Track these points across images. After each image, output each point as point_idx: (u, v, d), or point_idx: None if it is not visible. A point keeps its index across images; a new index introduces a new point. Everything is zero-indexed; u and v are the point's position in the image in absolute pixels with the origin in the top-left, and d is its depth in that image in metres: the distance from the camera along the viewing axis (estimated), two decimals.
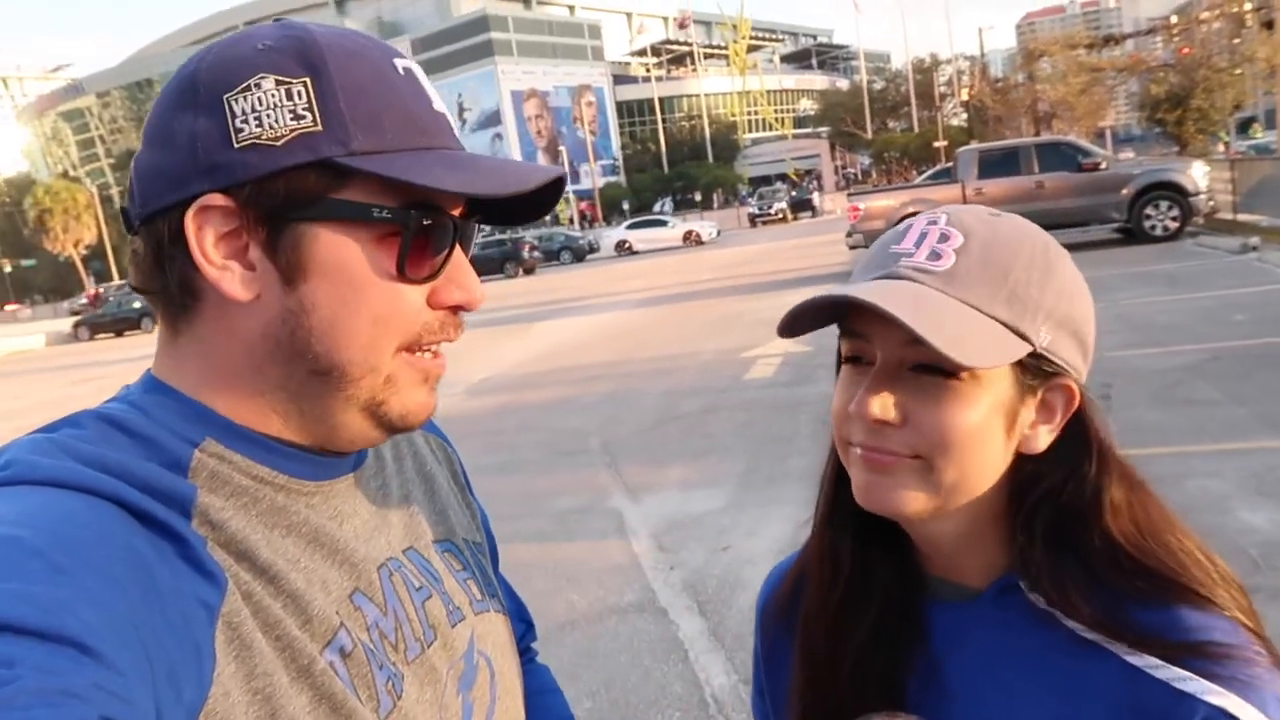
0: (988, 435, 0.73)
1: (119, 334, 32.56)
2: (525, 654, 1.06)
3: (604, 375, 10.30)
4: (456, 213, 0.70)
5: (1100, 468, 0.75)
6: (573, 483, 6.28)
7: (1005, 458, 0.75)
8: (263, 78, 0.64)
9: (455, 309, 0.71)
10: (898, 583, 0.84)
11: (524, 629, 1.06)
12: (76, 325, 34.05)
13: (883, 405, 0.73)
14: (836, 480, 0.86)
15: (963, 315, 0.70)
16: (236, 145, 0.63)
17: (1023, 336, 0.72)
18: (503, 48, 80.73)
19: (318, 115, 0.64)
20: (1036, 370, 0.74)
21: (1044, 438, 0.76)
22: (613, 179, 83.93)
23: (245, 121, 0.63)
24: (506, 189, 0.66)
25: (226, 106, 0.63)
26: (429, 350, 0.71)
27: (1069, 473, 0.75)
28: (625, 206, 70.69)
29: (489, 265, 34.63)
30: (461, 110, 79.45)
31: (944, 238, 0.74)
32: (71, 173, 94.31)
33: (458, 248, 0.70)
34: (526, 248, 35.77)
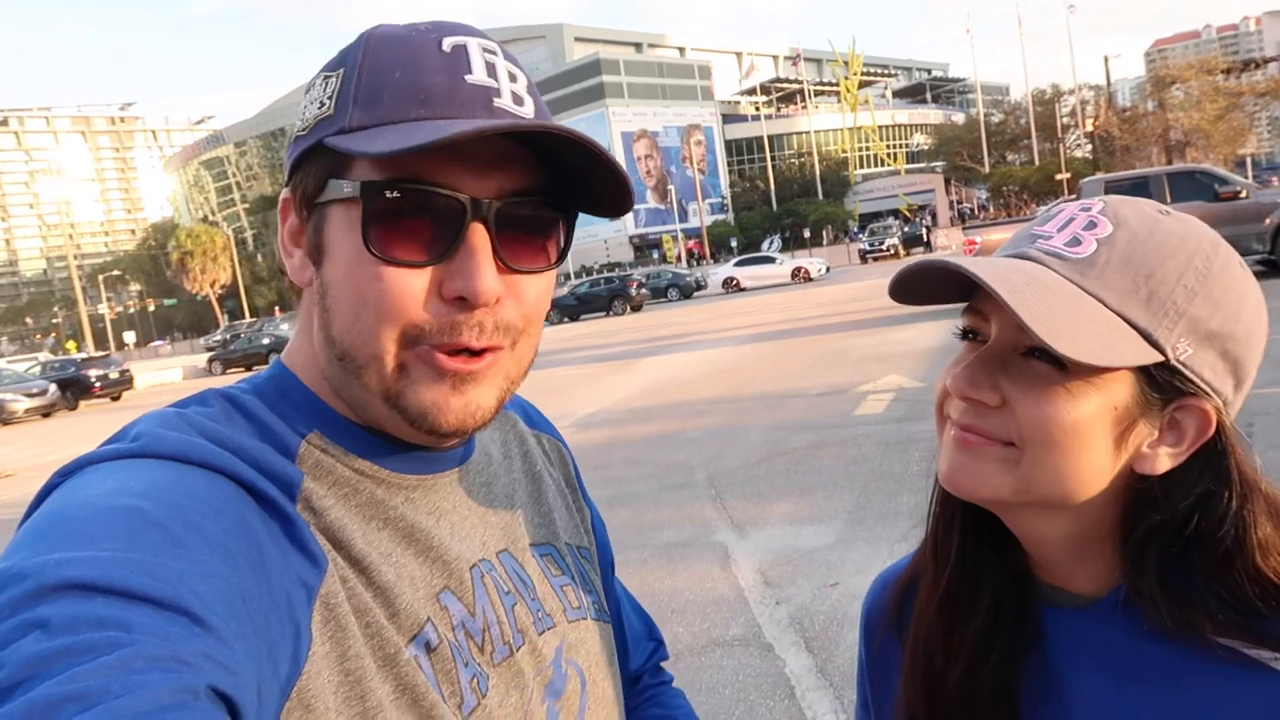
0: (1089, 438, 0.66)
1: (248, 368, 34.25)
2: (656, 673, 1.02)
3: (710, 410, 10.22)
4: (482, 195, 0.65)
5: (1243, 504, 0.67)
6: (678, 516, 6.21)
7: (1111, 469, 0.68)
8: (319, 76, 0.69)
9: (461, 302, 0.65)
10: (1009, 585, 0.78)
11: (653, 646, 1.02)
12: (210, 360, 36.08)
13: (978, 383, 0.68)
14: None
15: (1083, 306, 0.64)
16: (292, 140, 0.69)
17: (1154, 344, 0.64)
18: (614, 90, 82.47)
19: (334, 101, 0.66)
20: (1167, 384, 0.66)
21: (1164, 460, 0.68)
22: (721, 217, 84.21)
23: (300, 117, 0.69)
24: (412, 141, 0.60)
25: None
26: (450, 352, 0.66)
27: (1199, 504, 0.68)
28: (733, 244, 70.71)
29: (597, 303, 35.15)
30: None
31: (1091, 225, 0.68)
32: (210, 218, 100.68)
33: (480, 236, 0.65)
34: (634, 285, 36.09)
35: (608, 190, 0.70)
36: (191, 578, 0.50)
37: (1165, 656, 0.68)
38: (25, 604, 0.46)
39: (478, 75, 0.66)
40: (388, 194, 0.63)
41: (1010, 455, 0.68)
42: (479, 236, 0.65)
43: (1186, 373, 0.66)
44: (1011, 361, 0.68)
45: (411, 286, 0.64)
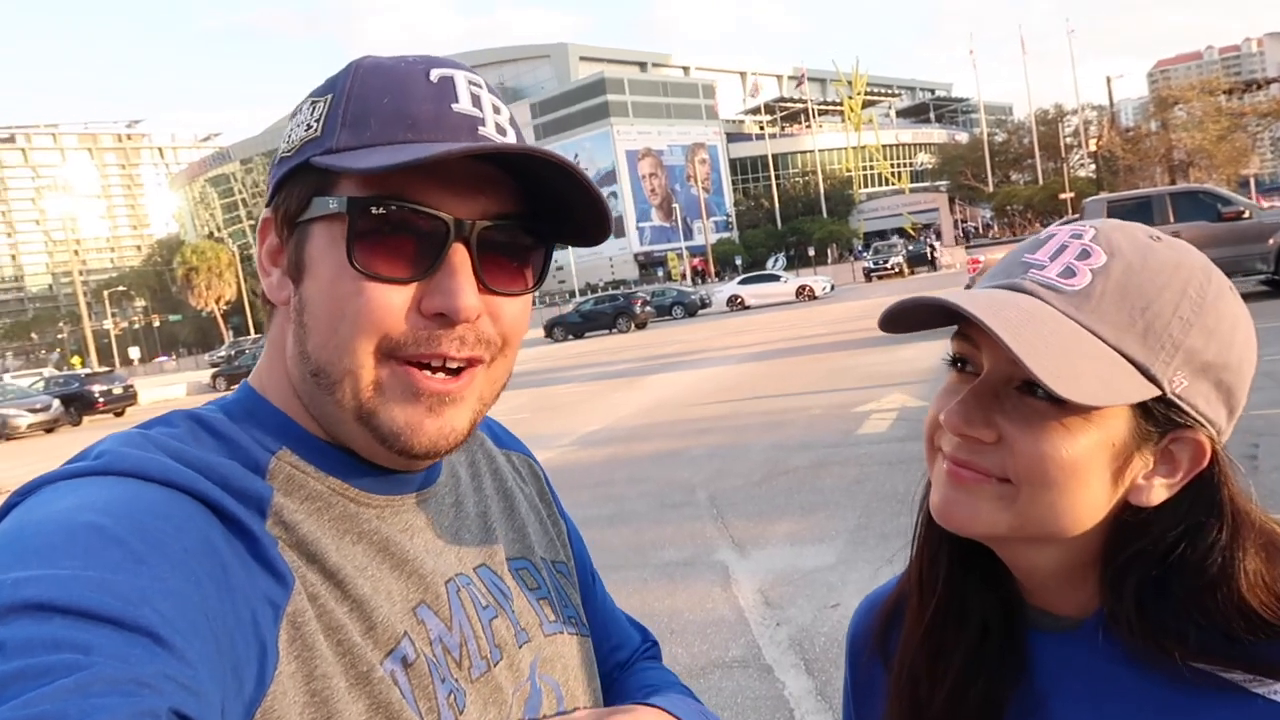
0: (1088, 475, 0.65)
1: None
2: (648, 660, 0.99)
3: (713, 428, 10.20)
4: (465, 216, 0.66)
5: (1233, 535, 0.66)
6: (679, 535, 6.18)
7: (1107, 503, 0.67)
8: (306, 101, 0.71)
9: (441, 318, 0.66)
10: (996, 608, 0.78)
11: (648, 646, 1.01)
12: (214, 376, 36.19)
13: (973, 420, 0.66)
14: None
15: (1081, 343, 0.63)
16: (276, 162, 0.71)
17: (1151, 378, 0.63)
18: (619, 109, 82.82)
19: (321, 124, 0.68)
20: (1163, 417, 0.65)
21: (1158, 491, 0.67)
22: (725, 235, 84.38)
23: (285, 140, 0.71)
24: (400, 159, 0.62)
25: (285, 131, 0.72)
26: (426, 366, 0.67)
27: (1187, 533, 0.67)
28: (738, 262, 70.87)
29: (601, 320, 35.17)
30: None
31: (1084, 254, 0.66)
32: (216, 234, 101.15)
33: (461, 255, 0.66)
34: (638, 303, 36.12)
35: (587, 217, 0.72)
36: (153, 596, 0.49)
37: (1144, 680, 0.68)
38: None
39: (464, 104, 0.68)
40: (374, 210, 0.64)
41: (1006, 492, 0.66)
42: (460, 256, 0.66)
43: (1183, 405, 0.65)
44: (1006, 396, 0.67)
45: (392, 302, 0.65)
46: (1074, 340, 0.63)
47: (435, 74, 0.68)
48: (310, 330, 0.67)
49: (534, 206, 0.70)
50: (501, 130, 0.69)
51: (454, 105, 0.67)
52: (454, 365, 0.67)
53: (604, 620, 0.95)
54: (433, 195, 0.65)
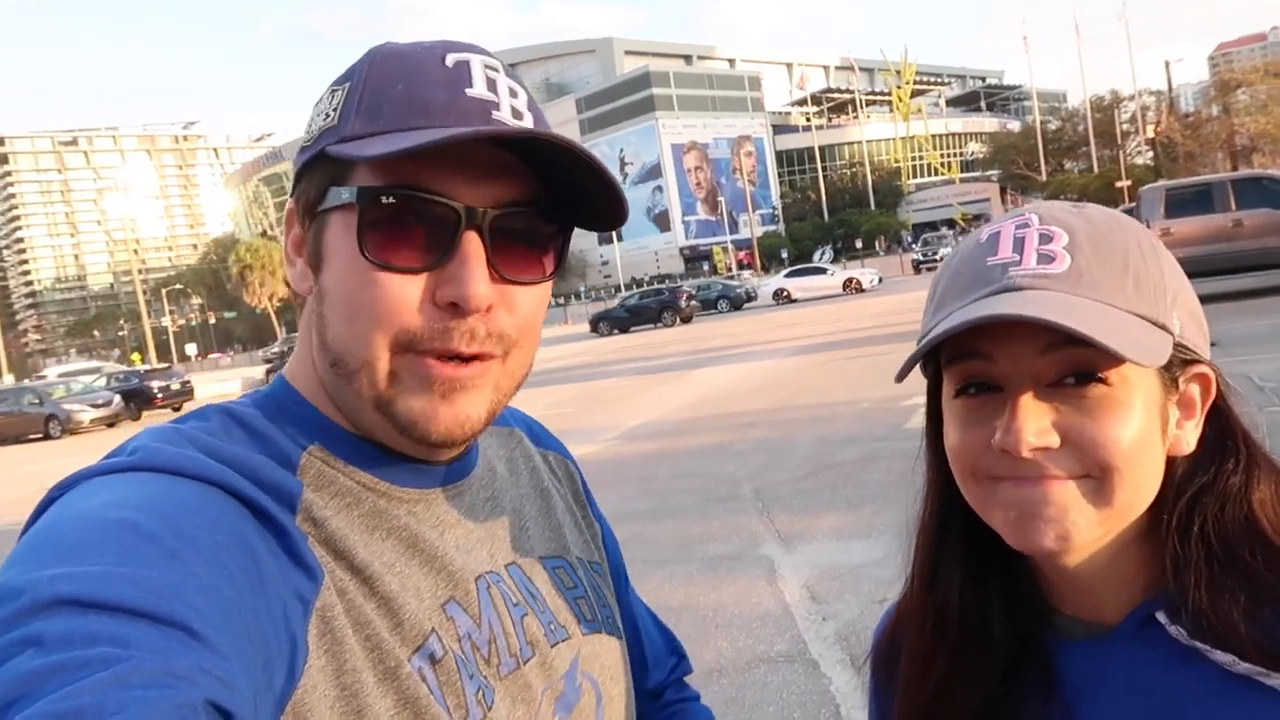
0: (1151, 439, 0.65)
1: None
2: (680, 688, 1.01)
3: (758, 422, 10.14)
4: (477, 204, 0.65)
5: (1248, 460, 0.67)
6: (724, 529, 6.13)
7: (1162, 463, 0.67)
8: (327, 90, 0.70)
9: (454, 308, 0.65)
10: (1012, 626, 0.74)
11: (675, 660, 1.01)
12: (268, 372, 37.04)
13: (1038, 430, 0.63)
14: (941, 522, 0.78)
15: (1106, 314, 0.62)
16: (298, 151, 0.72)
17: (1162, 327, 0.64)
18: (664, 103, 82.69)
19: (338, 112, 0.67)
20: (1177, 361, 0.66)
21: (1191, 435, 0.68)
22: (771, 228, 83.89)
23: (306, 129, 0.71)
24: (406, 143, 0.61)
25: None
26: (443, 358, 0.66)
27: (1217, 472, 0.67)
28: (784, 255, 70.43)
29: (646, 315, 35.15)
30: (623, 165, 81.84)
31: (1046, 238, 0.66)
32: (270, 232, 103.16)
33: (473, 244, 0.65)
34: (684, 297, 36.05)
35: (602, 202, 0.71)
36: (186, 591, 0.50)
37: (1181, 684, 0.66)
38: (19, 620, 0.45)
39: (478, 89, 0.67)
40: (384, 200, 0.64)
41: (1090, 488, 0.64)
42: (473, 245, 0.65)
43: (1186, 344, 0.66)
44: (1047, 396, 0.65)
45: (405, 292, 0.64)
46: (1099, 314, 0.62)
47: (451, 59, 0.67)
48: (329, 321, 0.67)
49: (550, 192, 0.69)
50: (518, 114, 0.68)
51: (468, 90, 0.66)
52: (465, 357, 0.67)
53: (634, 628, 0.94)
54: (446, 183, 0.64)
